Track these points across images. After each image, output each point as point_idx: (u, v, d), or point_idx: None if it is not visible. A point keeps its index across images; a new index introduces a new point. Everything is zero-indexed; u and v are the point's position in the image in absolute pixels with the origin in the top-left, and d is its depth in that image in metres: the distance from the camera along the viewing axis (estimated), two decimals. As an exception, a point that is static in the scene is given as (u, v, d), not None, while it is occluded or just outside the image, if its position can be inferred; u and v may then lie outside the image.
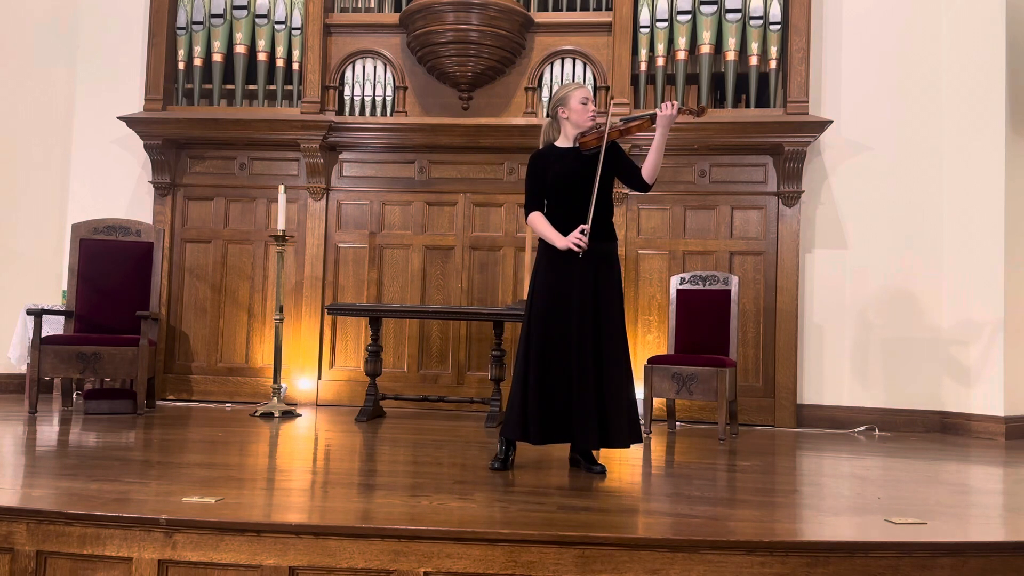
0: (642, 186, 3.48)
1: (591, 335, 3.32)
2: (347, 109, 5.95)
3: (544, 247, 3.46)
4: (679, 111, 3.38)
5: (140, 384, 4.87)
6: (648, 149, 3.46)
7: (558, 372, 3.30)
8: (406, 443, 4.17)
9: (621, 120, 3.47)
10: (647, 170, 3.43)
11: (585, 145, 3.44)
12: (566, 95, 3.47)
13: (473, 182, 5.97)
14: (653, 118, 3.42)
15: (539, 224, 3.46)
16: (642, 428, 3.51)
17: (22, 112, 6.04)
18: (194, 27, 5.97)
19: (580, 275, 3.36)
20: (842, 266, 5.65)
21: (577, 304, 3.34)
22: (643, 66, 5.74)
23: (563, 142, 3.51)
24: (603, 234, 3.43)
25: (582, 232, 3.31)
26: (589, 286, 3.36)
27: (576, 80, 5.80)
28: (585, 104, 3.45)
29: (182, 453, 3.62)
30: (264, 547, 2.26)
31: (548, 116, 3.57)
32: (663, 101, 3.42)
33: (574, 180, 3.40)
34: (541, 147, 3.57)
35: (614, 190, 3.71)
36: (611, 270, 3.42)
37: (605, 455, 3.81)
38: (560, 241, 3.36)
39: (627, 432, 3.31)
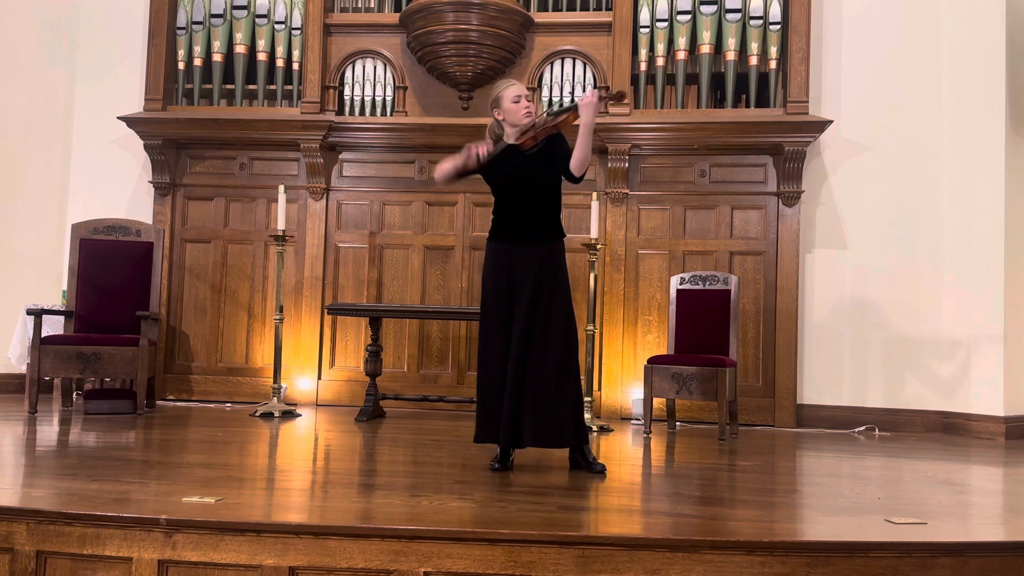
0: (571, 178, 3.40)
1: (524, 337, 3.31)
2: (347, 109, 5.95)
3: (489, 249, 3.46)
4: (600, 98, 3.30)
5: (140, 384, 4.87)
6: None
7: (498, 374, 3.32)
8: (406, 443, 4.17)
9: (549, 115, 3.36)
10: (574, 162, 3.34)
11: (523, 147, 3.37)
12: (498, 96, 3.43)
13: (473, 182, 5.83)
14: (576, 109, 3.30)
15: (445, 163, 3.42)
16: (573, 431, 3.33)
17: (22, 112, 6.03)
18: (194, 27, 5.97)
19: (521, 277, 3.35)
20: (842, 266, 5.65)
21: (510, 306, 3.34)
22: (643, 66, 5.73)
23: (508, 139, 3.44)
24: (548, 234, 3.41)
25: (486, 149, 3.33)
26: (529, 290, 3.34)
27: (576, 80, 5.80)
28: (517, 102, 3.39)
29: (182, 453, 3.62)
30: (264, 547, 2.26)
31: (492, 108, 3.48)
32: (586, 91, 3.34)
33: (519, 178, 3.39)
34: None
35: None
36: (554, 271, 3.38)
37: (605, 455, 3.81)
38: (460, 157, 3.36)
39: (563, 433, 3.28)
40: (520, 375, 3.30)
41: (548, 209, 3.44)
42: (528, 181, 3.40)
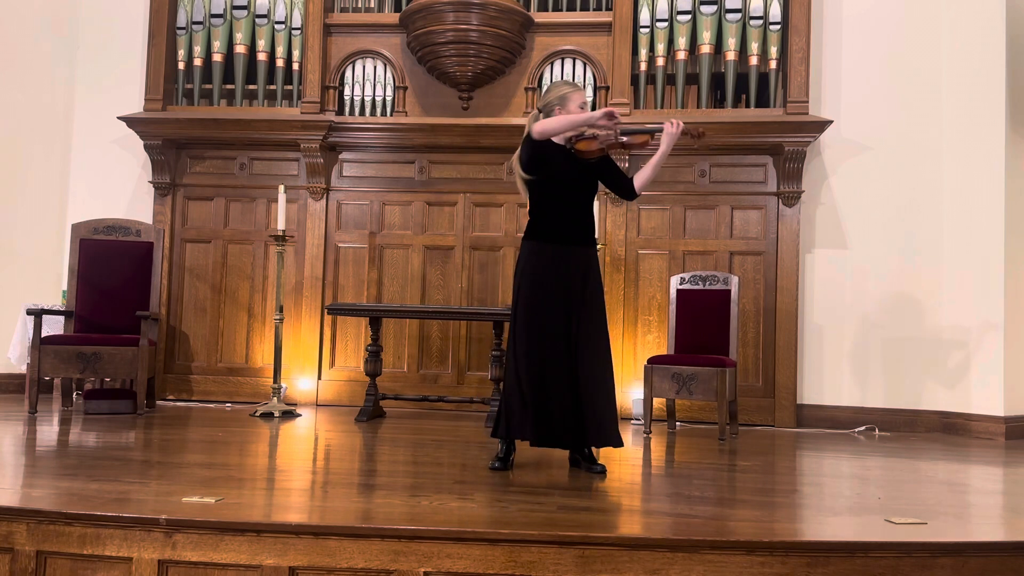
0: (630, 195, 3.50)
1: (567, 338, 3.32)
2: (347, 109, 5.95)
3: (531, 249, 3.40)
4: (684, 133, 3.39)
5: (140, 384, 4.87)
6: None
7: (545, 372, 3.30)
8: (406, 443, 4.17)
9: (622, 132, 3.39)
10: (641, 181, 3.45)
11: (583, 153, 3.38)
12: (565, 96, 3.40)
13: (473, 182, 5.97)
14: (653, 134, 3.40)
15: (559, 118, 3.28)
16: (620, 431, 3.37)
17: (22, 112, 6.03)
18: (194, 27, 5.97)
19: (565, 278, 3.35)
20: (842, 266, 5.65)
21: (559, 307, 3.33)
22: (643, 66, 5.73)
23: (557, 139, 3.43)
24: (589, 239, 3.46)
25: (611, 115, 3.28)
26: (571, 290, 3.34)
27: (576, 80, 5.80)
28: (583, 109, 3.41)
29: (182, 453, 3.62)
30: (264, 547, 2.26)
31: (538, 110, 3.48)
32: (668, 118, 3.42)
33: (572, 181, 3.39)
34: None
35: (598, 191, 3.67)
36: (595, 275, 3.43)
37: (605, 455, 3.81)
38: (593, 115, 3.26)
39: (614, 433, 3.30)
40: (576, 375, 3.29)
41: (591, 214, 3.48)
42: (580, 185, 3.41)
